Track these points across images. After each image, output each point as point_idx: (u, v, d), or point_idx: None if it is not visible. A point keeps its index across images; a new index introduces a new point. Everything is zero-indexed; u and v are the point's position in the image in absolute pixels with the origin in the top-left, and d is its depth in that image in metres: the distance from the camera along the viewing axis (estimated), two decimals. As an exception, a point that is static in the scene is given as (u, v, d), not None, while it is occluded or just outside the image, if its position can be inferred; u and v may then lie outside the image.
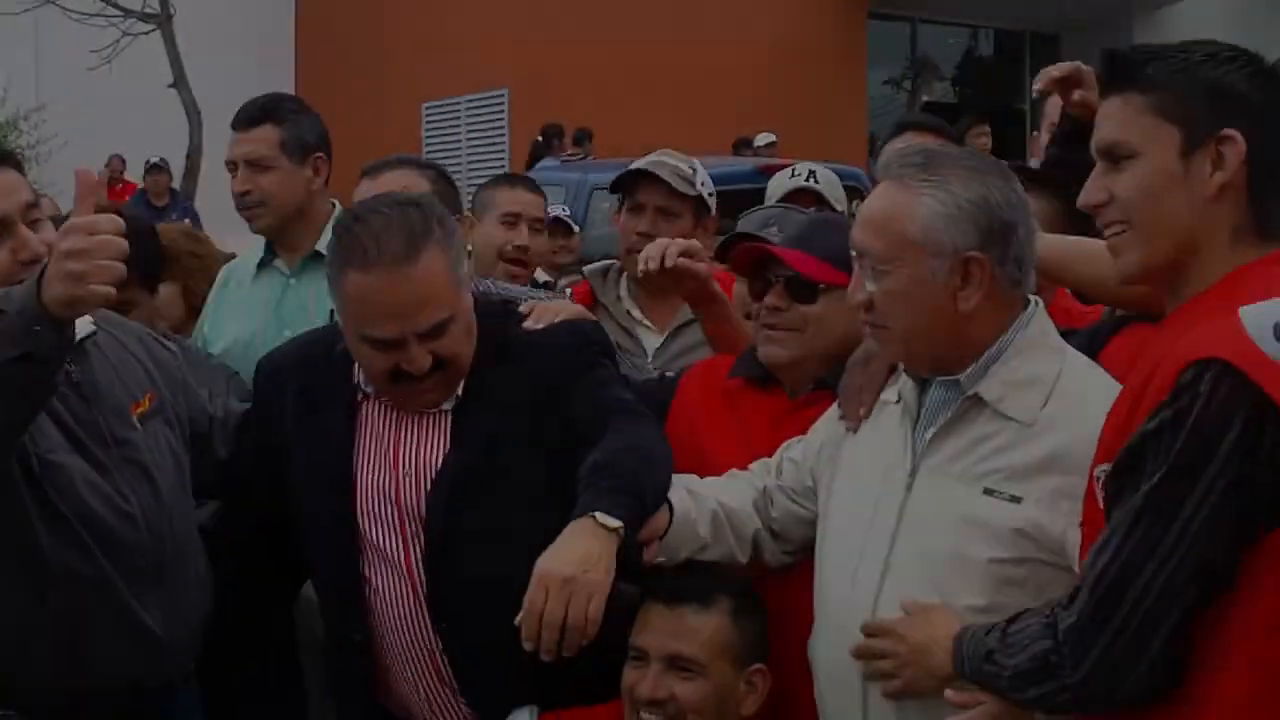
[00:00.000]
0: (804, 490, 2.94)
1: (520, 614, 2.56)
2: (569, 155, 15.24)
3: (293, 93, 18.79)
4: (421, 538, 2.95)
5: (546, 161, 14.55)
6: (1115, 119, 2.25)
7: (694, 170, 4.04)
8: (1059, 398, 2.54)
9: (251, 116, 4.02)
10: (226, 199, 4.12)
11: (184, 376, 3.29)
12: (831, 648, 2.70)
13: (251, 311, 4.07)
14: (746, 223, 3.70)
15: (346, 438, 3.01)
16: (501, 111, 18.94)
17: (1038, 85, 3.54)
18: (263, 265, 4.15)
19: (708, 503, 2.89)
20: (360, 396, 3.04)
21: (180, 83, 17.23)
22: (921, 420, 2.69)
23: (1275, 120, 2.20)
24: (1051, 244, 2.87)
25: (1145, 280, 2.30)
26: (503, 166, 17.05)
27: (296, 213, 4.02)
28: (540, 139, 15.76)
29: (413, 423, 3.00)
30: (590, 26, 18.46)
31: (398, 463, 2.98)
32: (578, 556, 2.56)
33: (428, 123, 18.20)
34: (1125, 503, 2.09)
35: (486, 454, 2.95)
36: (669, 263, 3.38)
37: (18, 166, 3.04)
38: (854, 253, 2.66)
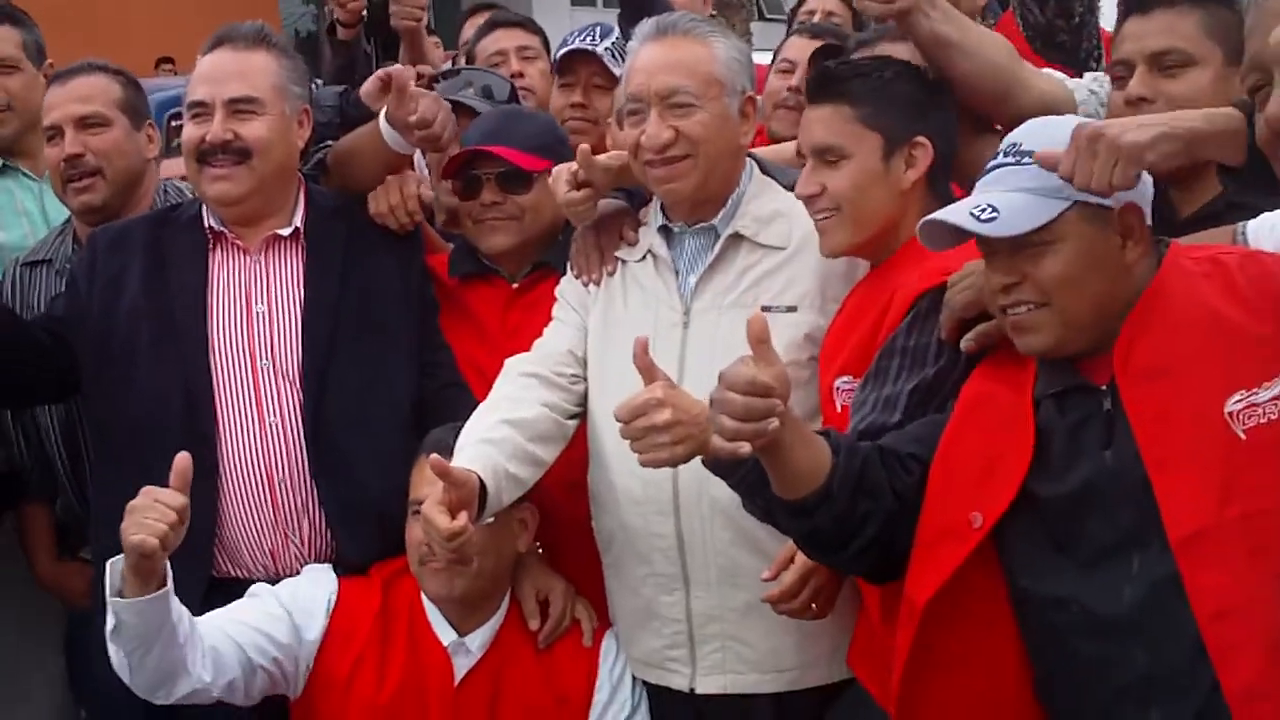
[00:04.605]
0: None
1: None
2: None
3: None
4: (271, 371, 3.16)
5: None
6: (827, 125, 2.75)
7: None
8: (802, 226, 2.91)
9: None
10: None
11: None
12: (629, 479, 2.92)
13: (10, 219, 3.95)
14: (447, 89, 3.83)
15: (200, 285, 3.21)
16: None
17: None
18: None
19: (507, 443, 2.89)
20: (210, 243, 3.24)
21: None
22: (682, 269, 3.01)
23: (945, 122, 2.81)
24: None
25: (850, 253, 2.81)
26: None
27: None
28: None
29: (261, 261, 3.24)
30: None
31: (250, 301, 3.20)
32: None
33: None
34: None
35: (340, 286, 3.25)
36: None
37: None
38: (648, 95, 2.89)
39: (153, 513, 2.60)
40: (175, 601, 2.72)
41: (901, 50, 2.95)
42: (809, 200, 2.78)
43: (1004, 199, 2.25)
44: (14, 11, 4.08)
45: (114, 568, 2.67)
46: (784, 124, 3.82)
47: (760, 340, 2.23)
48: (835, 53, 3.45)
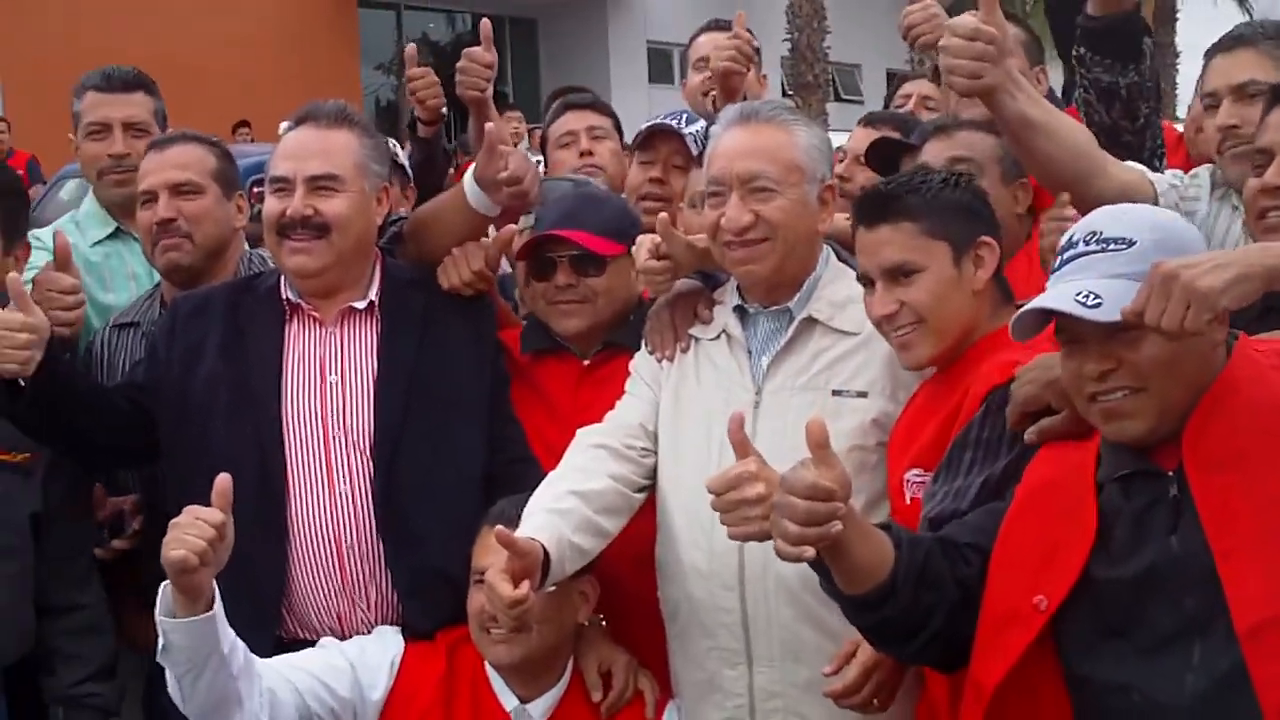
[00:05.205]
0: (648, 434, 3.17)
1: None
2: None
3: None
4: (342, 440, 3.22)
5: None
6: (894, 244, 2.77)
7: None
8: None
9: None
10: None
11: None
12: (695, 553, 2.98)
13: (120, 282, 4.05)
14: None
15: (275, 355, 3.29)
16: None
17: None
18: (111, 237, 4.12)
19: (573, 514, 2.93)
20: (287, 313, 3.33)
21: None
22: (755, 350, 3.06)
23: (995, 220, 2.88)
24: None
25: (932, 363, 2.82)
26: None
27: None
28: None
29: (337, 333, 3.32)
30: (78, 19, 17.73)
31: (324, 370, 3.27)
32: None
33: None
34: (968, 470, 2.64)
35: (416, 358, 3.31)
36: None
37: None
38: (730, 179, 2.95)
39: (193, 529, 2.68)
40: (228, 631, 2.80)
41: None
42: (886, 320, 2.80)
43: (1103, 285, 2.26)
44: (147, 80, 4.20)
45: (165, 590, 2.75)
46: None
47: (820, 444, 2.26)
48: (888, 150, 3.51)
